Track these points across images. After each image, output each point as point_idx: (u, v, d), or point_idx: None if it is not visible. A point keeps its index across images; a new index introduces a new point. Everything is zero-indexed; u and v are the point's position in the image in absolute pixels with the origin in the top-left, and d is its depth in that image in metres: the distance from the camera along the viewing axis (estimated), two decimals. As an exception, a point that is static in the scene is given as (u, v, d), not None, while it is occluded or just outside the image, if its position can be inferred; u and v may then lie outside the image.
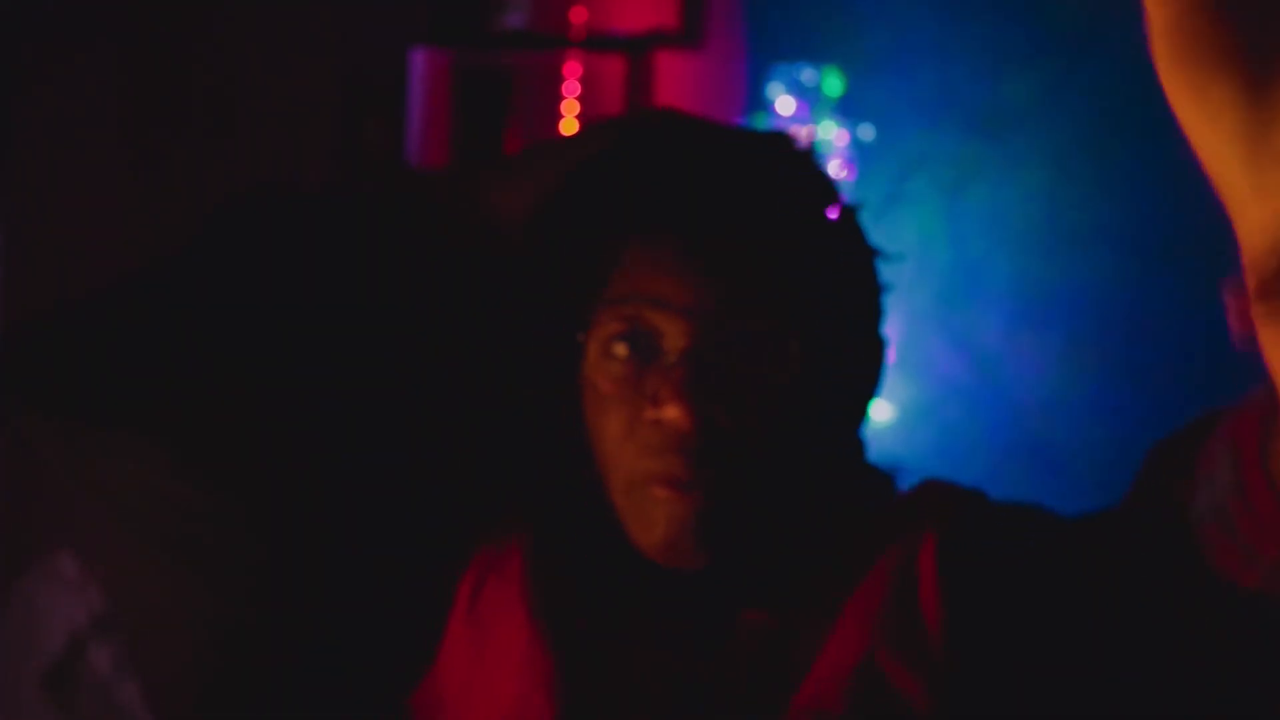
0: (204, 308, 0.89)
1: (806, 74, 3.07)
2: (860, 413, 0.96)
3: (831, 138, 3.05)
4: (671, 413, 0.86)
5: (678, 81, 3.28)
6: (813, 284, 0.91)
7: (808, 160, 0.96)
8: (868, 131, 3.08)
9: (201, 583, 0.89)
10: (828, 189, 0.95)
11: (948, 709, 0.85)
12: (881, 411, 3.06)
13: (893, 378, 3.25)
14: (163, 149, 2.38)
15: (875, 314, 0.95)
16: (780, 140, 0.97)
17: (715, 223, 0.89)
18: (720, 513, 0.87)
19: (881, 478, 0.97)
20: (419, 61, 3.16)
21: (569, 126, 3.21)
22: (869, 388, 0.95)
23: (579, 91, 3.22)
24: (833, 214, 0.94)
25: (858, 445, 0.97)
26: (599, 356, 0.89)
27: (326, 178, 2.74)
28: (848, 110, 3.08)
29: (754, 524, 0.89)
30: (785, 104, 3.06)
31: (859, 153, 3.07)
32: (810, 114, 3.06)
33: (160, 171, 2.33)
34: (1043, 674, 0.84)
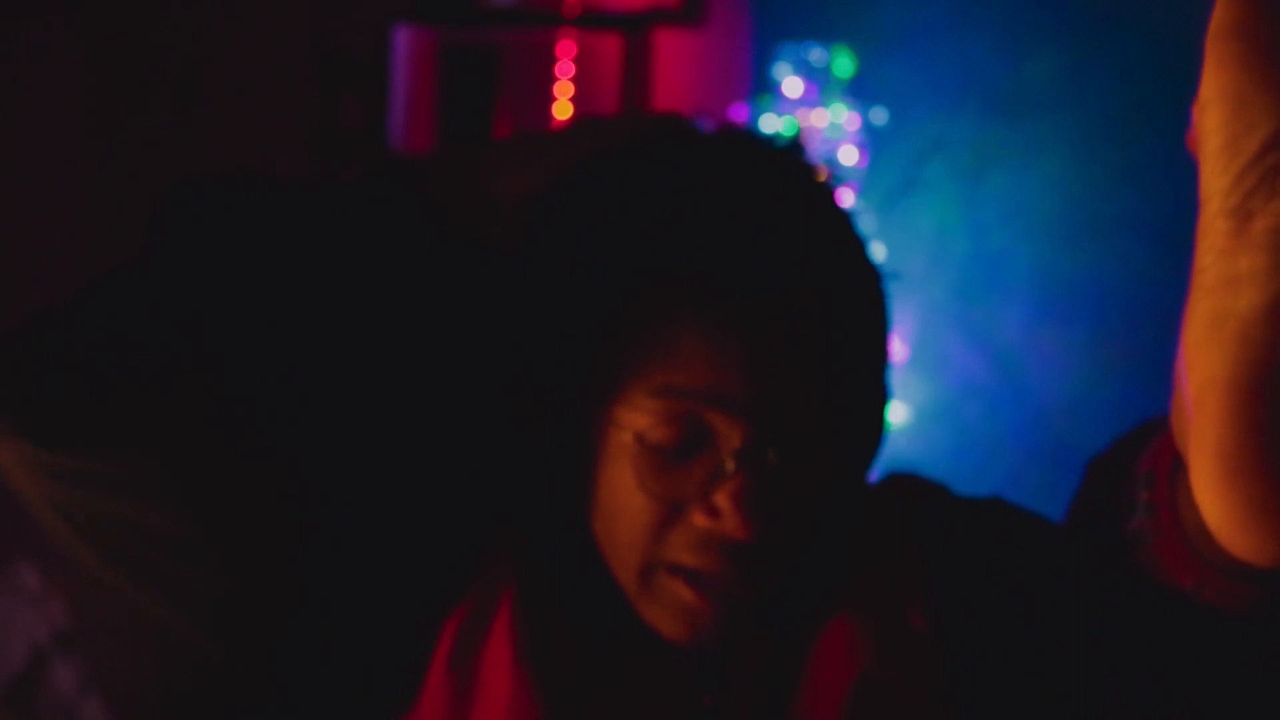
0: (161, 318, 0.87)
1: (815, 53, 3.07)
2: (868, 469, 0.94)
3: (842, 121, 3.05)
4: (729, 525, 0.83)
5: (677, 61, 3.28)
6: (861, 357, 0.88)
7: (839, 211, 0.91)
8: (880, 115, 3.08)
9: (166, 608, 0.89)
10: (861, 244, 0.90)
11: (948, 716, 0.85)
12: (898, 413, 3.06)
13: (908, 377, 3.26)
14: (129, 130, 2.38)
15: (888, 370, 0.93)
16: (808, 171, 0.90)
17: (776, 297, 0.83)
18: (747, 606, 0.86)
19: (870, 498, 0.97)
20: (402, 38, 3.16)
21: (562, 110, 3.21)
22: (876, 446, 0.94)
23: (572, 72, 3.22)
24: (868, 265, 0.90)
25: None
26: (634, 441, 0.85)
27: (301, 163, 2.74)
28: (859, 92, 3.08)
29: (774, 600, 0.88)
30: (792, 85, 3.06)
31: (871, 137, 3.07)
32: (819, 96, 3.07)
33: (126, 154, 2.33)
34: (1031, 672, 0.85)
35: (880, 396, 0.92)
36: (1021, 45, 3.14)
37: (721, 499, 0.84)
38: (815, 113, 3.05)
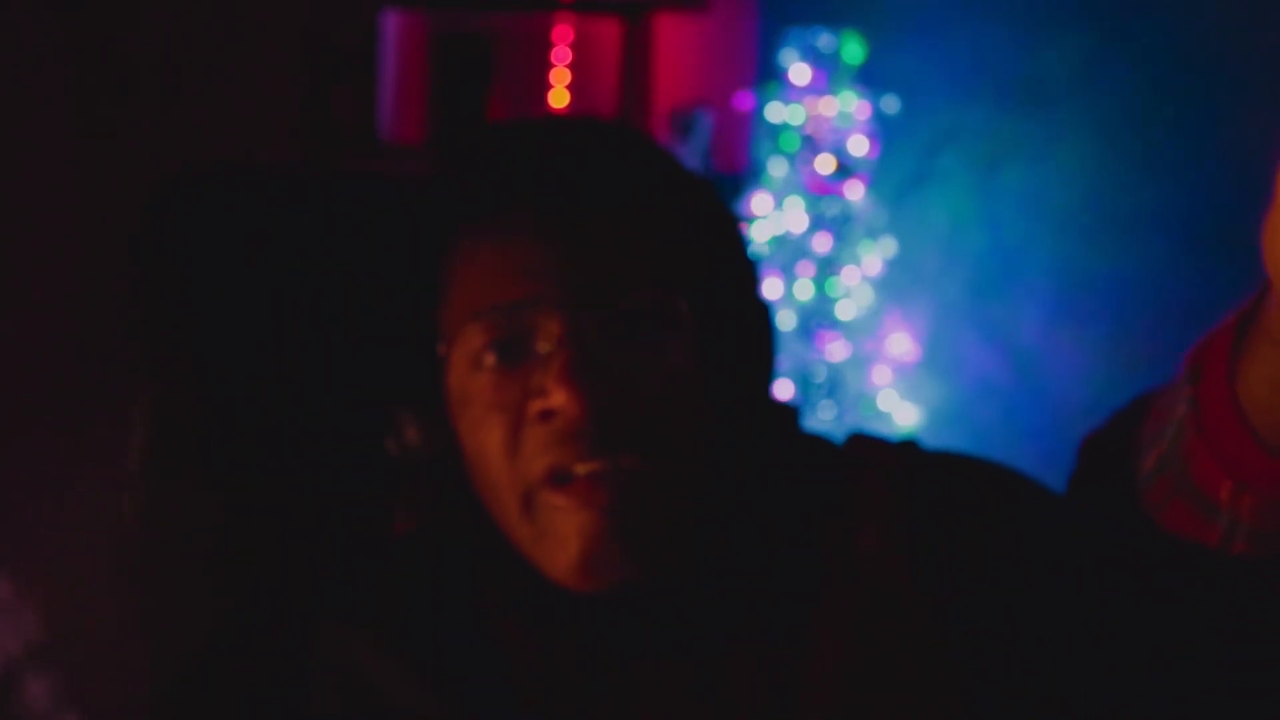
0: (149, 313, 0.89)
1: (824, 39, 3.07)
2: (769, 379, 0.96)
3: (851, 110, 3.06)
4: (558, 399, 0.85)
5: (679, 48, 3.28)
6: (679, 244, 0.91)
7: (639, 134, 0.98)
8: (892, 103, 3.09)
9: (153, 619, 0.90)
10: (668, 158, 0.96)
11: (949, 696, 0.86)
12: (909, 415, 3.06)
13: (921, 377, 3.26)
14: (107, 123, 2.38)
15: (754, 280, 0.95)
16: (595, 117, 0.99)
17: (564, 200, 0.89)
18: (635, 511, 0.86)
19: (812, 443, 0.98)
20: (391, 25, 3.16)
21: (558, 99, 3.21)
22: (770, 355, 0.95)
23: (569, 59, 3.22)
24: (683, 179, 0.95)
25: (781, 415, 0.97)
26: (466, 372, 0.89)
27: (287, 155, 2.74)
28: (870, 79, 3.08)
29: (678, 518, 0.88)
30: (800, 73, 3.06)
31: (882, 127, 3.07)
32: (828, 84, 3.07)
33: (106, 145, 2.33)
34: (1027, 633, 0.88)
35: (751, 307, 0.94)
36: (1039, 30, 3.15)
37: (548, 380, 0.86)
38: (823, 101, 3.05)
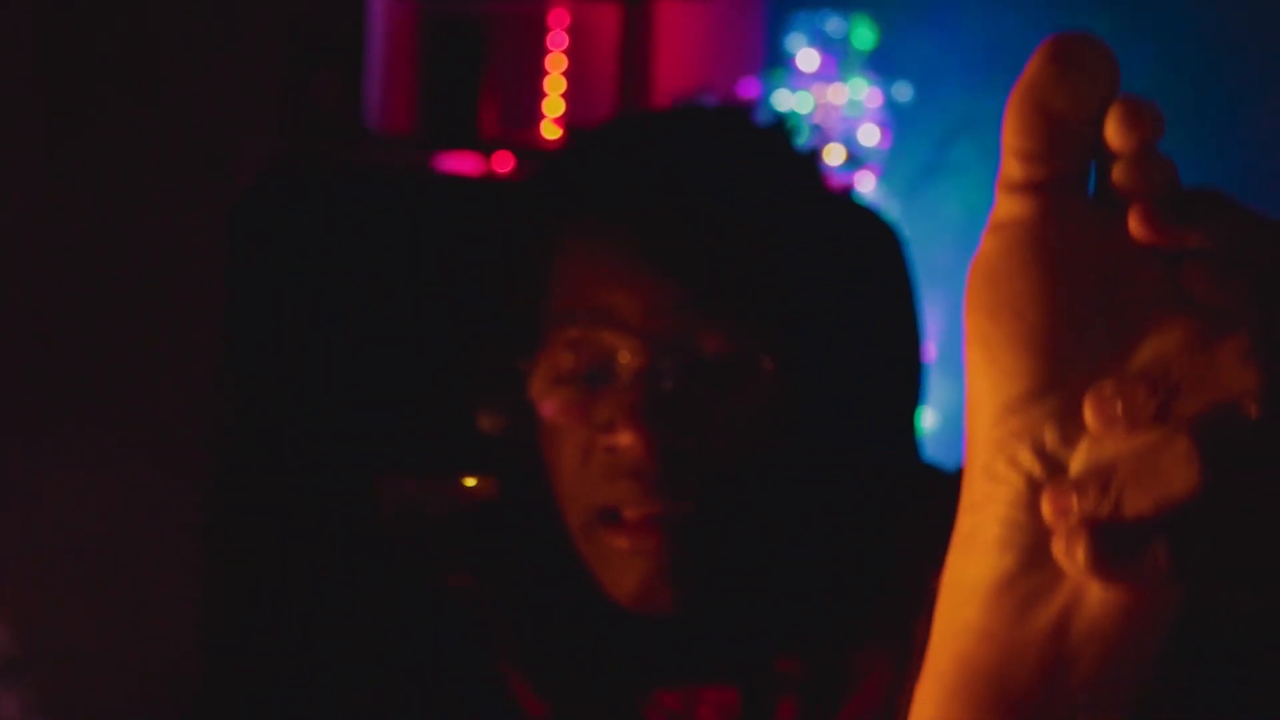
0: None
1: (833, 23, 3.07)
2: (898, 422, 0.96)
3: (862, 98, 3.06)
4: (625, 439, 0.86)
5: (681, 33, 3.28)
6: (788, 287, 0.90)
7: (781, 134, 0.96)
8: (904, 90, 3.09)
9: (130, 630, 0.91)
10: (810, 168, 0.95)
11: None
12: (923, 419, 3.06)
13: (935, 379, 3.25)
14: (78, 112, 2.38)
15: (897, 309, 0.95)
16: (742, 112, 0.97)
17: (671, 213, 0.89)
18: (691, 553, 0.88)
19: (936, 479, 0.97)
20: (379, 9, 3.16)
21: (554, 86, 3.21)
22: (902, 394, 0.95)
23: (566, 44, 3.23)
24: (818, 196, 0.94)
25: (890, 456, 0.98)
26: (547, 384, 0.90)
27: (270, 146, 2.74)
28: (881, 66, 3.08)
29: (736, 557, 0.90)
30: (808, 59, 3.06)
31: (894, 116, 3.08)
32: (837, 70, 3.07)
33: (78, 135, 2.33)
34: None
35: (888, 342, 0.94)
36: (1058, 15, 3.15)
37: (617, 415, 0.87)
38: (833, 88, 3.05)
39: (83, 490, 0.94)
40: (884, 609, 0.90)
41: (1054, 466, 0.48)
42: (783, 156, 0.95)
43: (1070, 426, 0.48)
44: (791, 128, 0.97)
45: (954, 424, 3.10)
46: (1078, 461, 0.48)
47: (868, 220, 0.95)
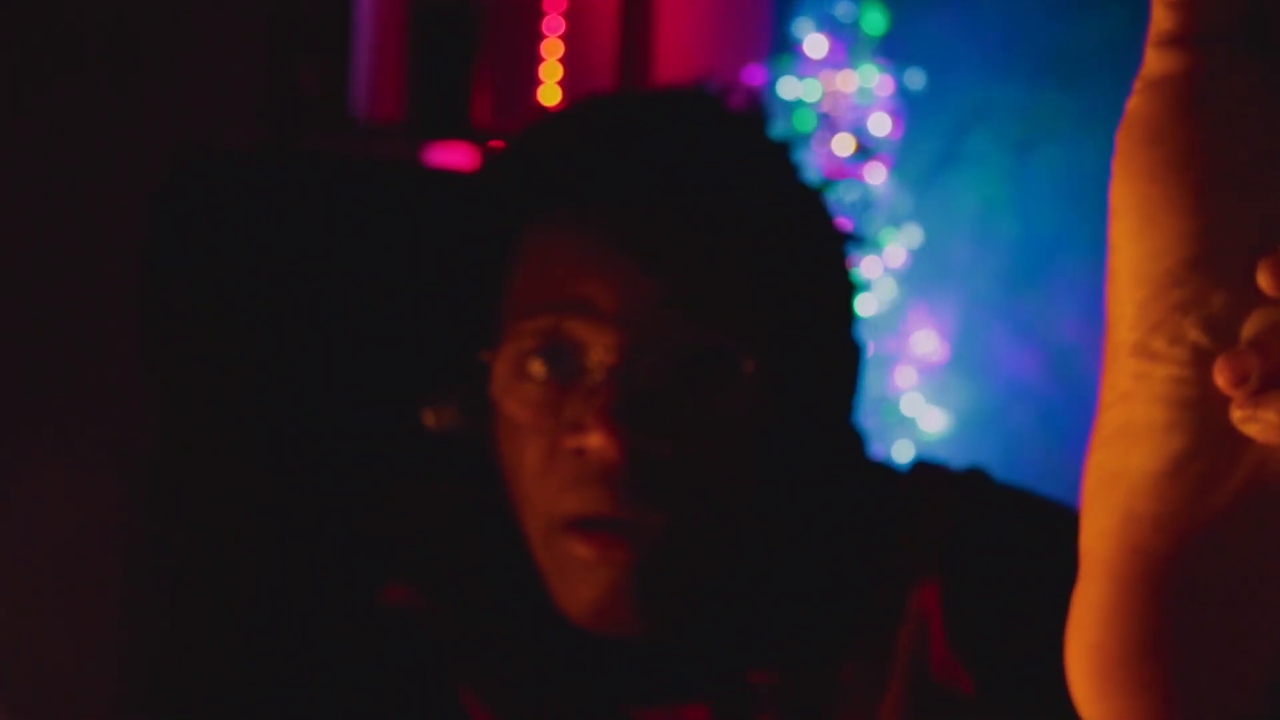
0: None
1: (842, 7, 3.07)
2: (841, 427, 0.94)
3: (873, 85, 3.05)
4: (595, 441, 0.84)
5: (684, 17, 3.28)
6: (773, 282, 0.89)
7: (758, 124, 0.95)
8: (917, 78, 3.08)
9: (102, 643, 0.91)
10: (787, 159, 0.94)
11: None
12: (937, 420, 3.06)
13: (948, 379, 3.26)
14: (52, 98, 2.38)
15: (848, 313, 0.94)
16: (721, 98, 0.96)
17: (651, 202, 0.87)
18: (660, 568, 0.86)
19: (876, 474, 0.97)
20: (366, -9, 3.16)
21: (550, 73, 3.21)
22: (849, 400, 0.94)
23: (562, 29, 3.22)
24: (797, 189, 0.93)
25: (844, 451, 0.97)
26: (510, 378, 0.88)
27: (251, 135, 2.74)
28: (893, 52, 3.08)
29: (708, 573, 0.88)
30: (815, 44, 3.06)
31: (906, 104, 3.07)
32: (847, 56, 3.06)
33: (49, 125, 2.33)
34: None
35: (840, 344, 0.93)
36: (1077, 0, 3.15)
37: (587, 414, 0.85)
38: (842, 75, 3.05)
39: (52, 495, 0.94)
40: (863, 618, 0.90)
41: (1224, 335, 0.47)
42: (763, 143, 0.94)
43: (1242, 292, 0.47)
44: (768, 112, 0.96)
45: (971, 426, 3.09)
46: (1251, 327, 0.47)
47: (829, 222, 0.94)
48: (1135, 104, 0.50)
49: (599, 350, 0.86)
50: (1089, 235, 3.18)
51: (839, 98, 3.06)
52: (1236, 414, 0.47)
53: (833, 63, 3.06)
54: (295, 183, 1.10)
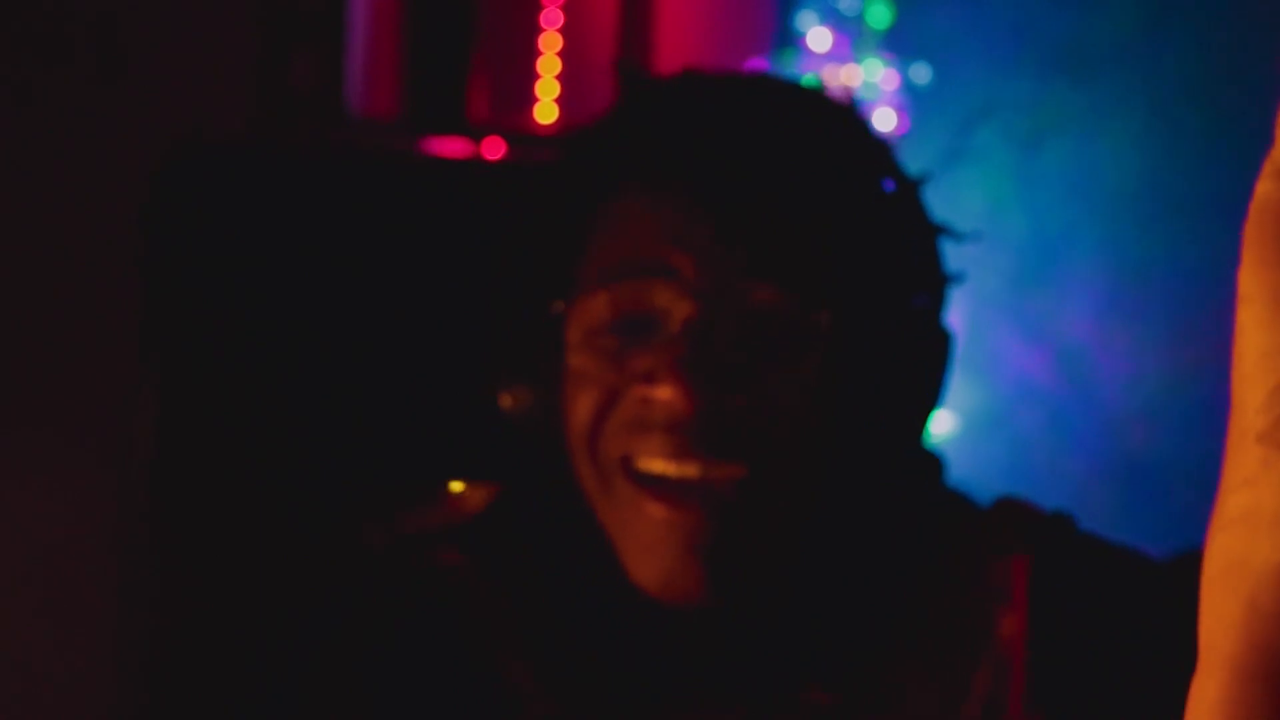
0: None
1: (846, 1, 3.07)
2: (921, 418, 0.95)
3: (878, 80, 3.05)
4: (664, 392, 0.85)
5: (684, 10, 3.28)
6: (853, 253, 0.91)
7: (849, 111, 0.98)
8: (923, 72, 3.08)
9: (94, 647, 0.91)
10: (873, 144, 0.96)
11: None
12: (942, 422, 3.06)
13: (956, 379, 3.25)
14: (44, 93, 2.38)
15: (935, 300, 0.95)
16: (813, 88, 0.99)
17: (732, 175, 0.89)
18: (731, 532, 0.86)
19: (954, 502, 0.97)
20: (361, -17, 3.16)
21: (548, 66, 3.20)
22: (930, 391, 0.95)
23: (561, 22, 3.22)
24: (880, 174, 0.95)
25: (923, 462, 0.97)
26: (582, 337, 0.89)
27: (243, 129, 2.74)
28: (898, 46, 3.08)
29: (779, 544, 0.88)
30: (819, 38, 3.06)
31: (912, 98, 3.07)
32: (851, 50, 3.06)
33: (36, 119, 2.33)
34: None
35: (925, 332, 0.95)
36: (1087, -8, 3.15)
37: (659, 366, 0.86)
38: (846, 70, 3.05)
39: (32, 497, 0.94)
40: (934, 648, 0.89)
41: None
42: (851, 131, 0.96)
43: None
44: (863, 110, 0.99)
45: (978, 428, 3.09)
46: None
47: (918, 210, 0.96)
48: (1265, 189, 0.50)
49: (673, 305, 0.87)
50: (1099, 233, 3.18)
51: (843, 93, 3.06)
52: None
53: (837, 57, 3.06)
54: (291, 177, 1.11)
